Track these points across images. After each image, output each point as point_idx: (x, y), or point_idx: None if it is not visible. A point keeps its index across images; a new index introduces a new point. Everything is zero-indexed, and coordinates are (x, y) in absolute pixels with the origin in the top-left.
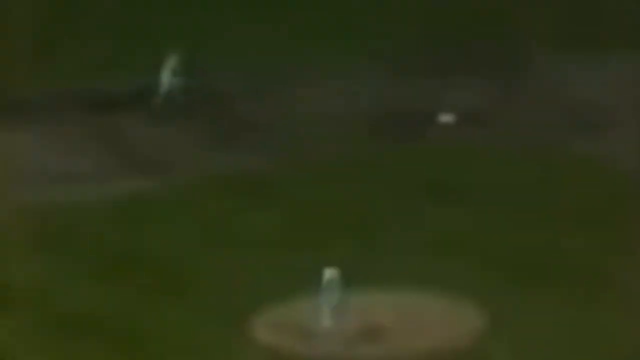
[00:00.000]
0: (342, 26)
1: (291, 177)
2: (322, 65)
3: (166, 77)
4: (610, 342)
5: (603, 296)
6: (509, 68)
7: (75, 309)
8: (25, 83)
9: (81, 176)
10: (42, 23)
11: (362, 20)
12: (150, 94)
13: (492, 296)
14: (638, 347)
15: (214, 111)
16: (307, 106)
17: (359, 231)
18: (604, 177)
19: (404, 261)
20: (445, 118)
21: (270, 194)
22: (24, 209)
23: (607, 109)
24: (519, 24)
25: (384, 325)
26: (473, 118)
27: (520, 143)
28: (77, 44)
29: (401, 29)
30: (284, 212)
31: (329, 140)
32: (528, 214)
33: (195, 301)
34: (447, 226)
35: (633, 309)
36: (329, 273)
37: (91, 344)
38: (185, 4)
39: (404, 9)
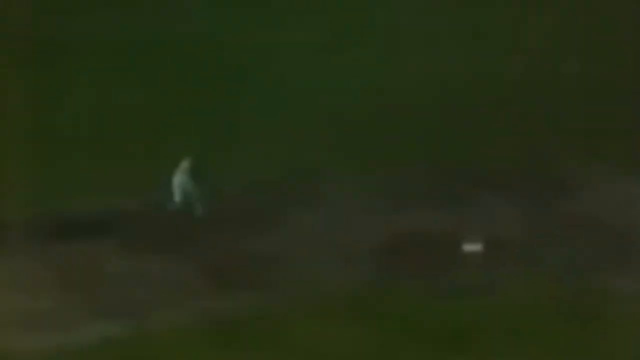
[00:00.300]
0: (353, 145)
1: (291, 317)
2: (331, 190)
3: (179, 183)
4: None
5: None
6: (539, 190)
7: None
8: None
9: (45, 320)
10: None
11: (377, 139)
12: (121, 220)
13: None
14: None
15: (206, 240)
16: (311, 234)
17: None
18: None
19: None
20: (471, 247)
21: (266, 340)
22: None
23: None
24: (550, 143)
25: None
26: (499, 247)
27: (549, 275)
28: (40, 166)
29: (421, 151)
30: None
31: (336, 273)
32: None
33: None
34: None
35: None
36: None
37: None
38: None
39: (420, 129)
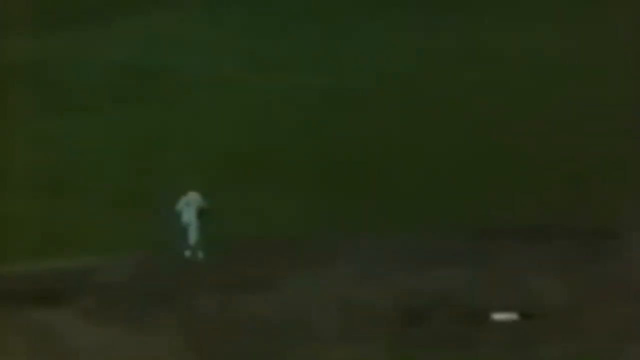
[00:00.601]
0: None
1: None
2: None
3: (188, 217)
4: None
5: None
6: (581, 245)
7: None
8: None
9: None
10: None
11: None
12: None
13: None
14: None
15: (198, 303)
16: (319, 296)
17: None
18: None
19: None
20: (501, 317)
21: None
22: None
23: None
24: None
25: None
26: (533, 318)
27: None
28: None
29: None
30: None
31: (344, 345)
32: None
33: None
34: None
35: None
36: None
37: None
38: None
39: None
